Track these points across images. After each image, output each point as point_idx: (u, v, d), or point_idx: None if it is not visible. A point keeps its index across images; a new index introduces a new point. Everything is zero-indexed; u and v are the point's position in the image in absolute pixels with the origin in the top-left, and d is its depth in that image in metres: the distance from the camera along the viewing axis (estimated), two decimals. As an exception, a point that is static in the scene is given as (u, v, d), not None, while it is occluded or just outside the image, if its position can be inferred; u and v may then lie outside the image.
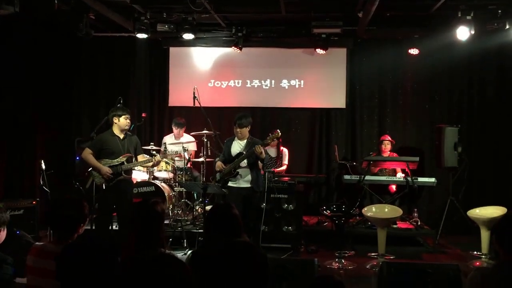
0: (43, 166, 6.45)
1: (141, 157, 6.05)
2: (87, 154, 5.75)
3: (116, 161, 5.76)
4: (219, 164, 6.01)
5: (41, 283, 2.74)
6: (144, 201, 3.12)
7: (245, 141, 5.97)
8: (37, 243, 3.01)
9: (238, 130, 5.92)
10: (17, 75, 7.27)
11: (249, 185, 5.89)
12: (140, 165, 6.29)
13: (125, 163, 5.79)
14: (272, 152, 7.85)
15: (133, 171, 6.21)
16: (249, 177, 5.89)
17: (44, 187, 6.39)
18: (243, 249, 1.82)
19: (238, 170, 5.87)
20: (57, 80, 8.22)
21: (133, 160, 5.92)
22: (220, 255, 1.83)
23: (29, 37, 7.34)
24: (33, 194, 7.19)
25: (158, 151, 7.23)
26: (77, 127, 8.62)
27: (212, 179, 6.43)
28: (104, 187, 5.72)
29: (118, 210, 5.87)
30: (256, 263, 1.77)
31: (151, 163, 6.08)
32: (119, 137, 5.82)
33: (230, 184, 5.92)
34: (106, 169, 5.67)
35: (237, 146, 6.00)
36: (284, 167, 7.84)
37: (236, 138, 6.02)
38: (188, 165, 7.34)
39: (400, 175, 7.54)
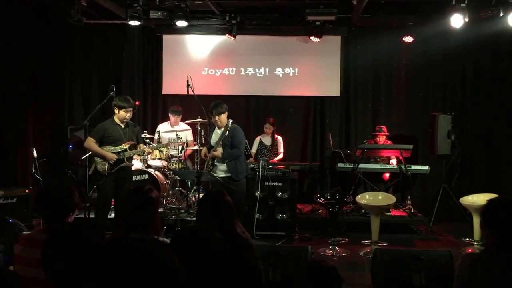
0: (35, 154, 6.42)
1: (142, 147, 6.11)
2: (90, 142, 5.76)
3: (119, 148, 5.78)
4: (203, 152, 6.08)
5: (29, 273, 2.71)
6: (138, 188, 3.10)
7: (222, 129, 5.94)
8: (25, 232, 2.98)
9: (217, 118, 5.88)
10: (7, 63, 7.19)
11: (225, 175, 5.89)
12: (140, 153, 6.31)
13: (128, 150, 5.81)
14: (267, 140, 7.85)
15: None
16: (224, 166, 5.89)
17: (36, 175, 6.37)
18: (193, 235, 1.85)
19: (215, 162, 5.89)
20: (49, 68, 8.15)
21: (136, 148, 5.95)
22: (175, 241, 1.86)
23: (21, 23, 7.26)
24: (26, 182, 7.16)
25: (151, 139, 7.22)
26: (70, 115, 8.56)
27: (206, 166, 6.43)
28: (106, 174, 5.72)
29: (116, 198, 5.88)
30: (210, 249, 1.79)
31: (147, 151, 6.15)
32: (120, 126, 5.83)
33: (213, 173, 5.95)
34: (111, 155, 5.70)
35: (214, 136, 6.00)
36: (280, 156, 7.84)
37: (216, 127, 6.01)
38: (183, 156, 7.30)
39: (393, 161, 7.57)
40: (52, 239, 1.95)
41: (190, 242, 1.85)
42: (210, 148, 5.99)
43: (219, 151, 5.81)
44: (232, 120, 5.94)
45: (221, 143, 5.84)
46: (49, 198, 2.92)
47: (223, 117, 5.90)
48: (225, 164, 5.87)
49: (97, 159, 5.77)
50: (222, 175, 5.91)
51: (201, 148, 7.00)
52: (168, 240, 2.88)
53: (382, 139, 7.65)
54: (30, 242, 2.79)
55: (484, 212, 2.49)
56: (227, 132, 5.79)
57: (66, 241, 1.91)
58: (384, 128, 7.73)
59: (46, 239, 1.99)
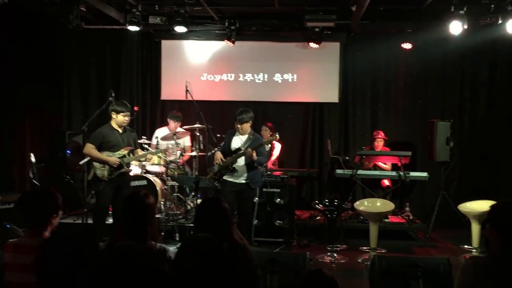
0: (33, 159, 6.39)
1: (139, 152, 6.09)
2: (90, 149, 5.73)
3: (118, 154, 5.76)
4: (218, 156, 5.95)
5: (19, 278, 2.70)
6: (134, 193, 3.09)
7: (246, 136, 5.91)
8: (10, 240, 2.97)
9: (239, 126, 5.85)
10: (6, 67, 7.18)
11: (244, 181, 5.86)
12: (141, 158, 6.29)
13: (127, 156, 5.80)
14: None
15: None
16: (245, 173, 5.85)
17: (34, 180, 6.34)
18: (202, 245, 1.84)
19: (234, 166, 5.83)
20: (47, 72, 8.14)
21: (135, 153, 5.94)
22: (183, 251, 1.85)
23: (19, 28, 7.26)
24: (24, 187, 7.14)
25: (149, 145, 7.20)
26: (68, 120, 8.56)
27: (209, 171, 6.39)
28: (106, 179, 5.69)
29: (114, 204, 5.85)
30: (216, 259, 1.79)
31: (147, 158, 6.15)
32: (118, 131, 5.82)
33: (225, 177, 5.90)
34: (113, 159, 5.68)
35: (237, 141, 5.94)
36: (273, 158, 7.79)
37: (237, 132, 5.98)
38: (180, 161, 7.30)
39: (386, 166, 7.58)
40: (46, 244, 1.94)
41: (198, 253, 1.83)
42: (229, 152, 5.94)
43: (255, 154, 5.75)
44: (277, 136, 5.94)
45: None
46: (32, 202, 2.92)
47: (246, 126, 5.87)
48: (245, 170, 5.83)
49: (96, 164, 5.74)
50: (242, 181, 5.86)
51: (199, 153, 7.01)
52: (165, 246, 2.88)
53: (380, 143, 7.65)
54: (18, 248, 2.78)
55: (491, 214, 2.48)
56: (266, 143, 5.82)
57: (59, 247, 1.90)
58: (382, 133, 7.74)
59: (39, 245, 1.98)
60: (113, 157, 5.69)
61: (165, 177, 7.23)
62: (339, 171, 7.37)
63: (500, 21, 6.76)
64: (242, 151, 5.76)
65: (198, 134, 7.02)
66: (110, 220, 6.25)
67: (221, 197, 3.18)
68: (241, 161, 5.82)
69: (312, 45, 7.96)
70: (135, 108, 7.64)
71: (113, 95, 6.38)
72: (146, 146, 6.97)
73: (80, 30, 7.00)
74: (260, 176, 6.14)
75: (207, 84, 8.54)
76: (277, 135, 5.93)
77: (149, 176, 7.11)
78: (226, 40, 8.05)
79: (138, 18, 7.08)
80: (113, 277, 1.33)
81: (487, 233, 2.52)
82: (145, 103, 8.69)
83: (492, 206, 2.51)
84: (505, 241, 2.39)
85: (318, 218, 7.30)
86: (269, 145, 7.78)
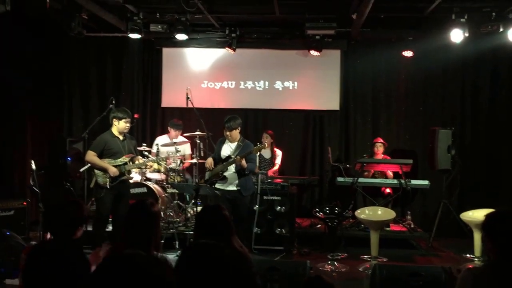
0: (34, 166, 6.38)
1: (140, 159, 6.09)
2: (92, 156, 5.73)
3: (119, 161, 5.77)
4: (209, 162, 5.99)
5: None
6: (141, 201, 3.06)
7: (236, 144, 5.93)
8: (32, 242, 2.96)
9: (228, 133, 5.89)
10: (7, 74, 7.18)
11: (235, 188, 5.86)
12: (142, 166, 6.28)
13: (128, 163, 5.79)
14: (266, 153, 7.81)
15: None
16: (235, 181, 5.86)
17: (34, 187, 6.33)
18: (206, 250, 1.83)
19: (225, 174, 5.84)
20: (48, 80, 8.15)
21: (135, 161, 5.94)
22: (184, 257, 1.84)
23: (20, 36, 7.27)
24: (24, 194, 7.12)
25: (149, 152, 7.19)
26: (69, 127, 8.56)
27: (201, 178, 6.40)
28: (108, 186, 5.68)
29: (114, 212, 5.83)
30: (220, 266, 1.78)
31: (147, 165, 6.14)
32: (119, 138, 5.83)
33: (217, 186, 5.92)
34: (113, 170, 5.69)
35: (227, 149, 5.97)
36: (276, 167, 7.79)
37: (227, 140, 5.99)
38: (181, 168, 7.28)
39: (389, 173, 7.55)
40: (33, 251, 1.93)
41: (203, 259, 1.82)
42: (219, 160, 5.94)
43: (244, 161, 5.76)
44: (266, 145, 5.95)
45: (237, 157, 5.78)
46: (62, 212, 2.90)
47: (235, 132, 5.90)
48: (236, 177, 5.83)
49: (97, 172, 5.74)
50: (232, 188, 5.87)
51: (200, 161, 7.00)
52: (166, 256, 2.86)
53: (380, 148, 7.64)
54: None
55: (484, 225, 2.48)
56: (240, 147, 5.82)
57: (47, 256, 1.89)
58: (381, 138, 7.73)
59: (27, 255, 1.96)
60: (113, 168, 5.68)
61: (165, 184, 7.21)
62: (340, 179, 7.35)
63: (501, 29, 6.77)
64: (232, 159, 5.77)
65: (198, 141, 7.01)
66: (110, 228, 6.23)
67: (222, 205, 3.16)
68: (231, 168, 5.84)
69: (313, 52, 7.96)
70: (136, 116, 7.66)
71: (113, 102, 6.38)
72: (146, 153, 6.96)
73: (82, 38, 7.03)
74: (252, 183, 6.11)
75: (208, 92, 8.54)
76: (265, 144, 6.02)
77: (149, 183, 7.09)
78: (227, 48, 8.06)
79: (139, 26, 7.10)
80: (117, 286, 1.32)
81: (483, 242, 2.52)
82: (145, 111, 8.69)
83: (487, 215, 2.52)
84: (501, 250, 2.38)
85: (318, 226, 7.26)
86: (270, 153, 7.79)
